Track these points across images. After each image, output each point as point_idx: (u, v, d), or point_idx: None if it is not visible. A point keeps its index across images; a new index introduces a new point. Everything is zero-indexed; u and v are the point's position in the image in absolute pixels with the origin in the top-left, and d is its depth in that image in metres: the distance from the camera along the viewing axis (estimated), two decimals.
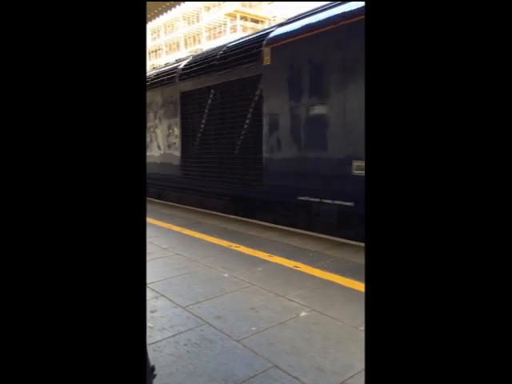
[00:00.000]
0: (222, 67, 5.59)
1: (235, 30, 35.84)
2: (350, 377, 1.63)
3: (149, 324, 2.11)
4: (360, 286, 2.64)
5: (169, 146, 7.05)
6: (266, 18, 37.90)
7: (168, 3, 6.93)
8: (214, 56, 5.90)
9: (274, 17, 36.12)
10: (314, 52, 4.26)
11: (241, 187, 5.38)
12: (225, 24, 37.97)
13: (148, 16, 7.22)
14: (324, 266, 3.12)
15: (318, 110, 4.26)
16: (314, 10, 4.64)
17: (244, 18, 37.96)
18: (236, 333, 2.02)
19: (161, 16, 7.63)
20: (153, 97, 7.44)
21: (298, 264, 3.19)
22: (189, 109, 6.39)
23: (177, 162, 6.76)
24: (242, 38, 5.91)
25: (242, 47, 5.39)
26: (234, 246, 3.80)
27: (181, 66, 6.72)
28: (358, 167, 3.82)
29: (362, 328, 2.03)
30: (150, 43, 42.48)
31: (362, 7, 3.74)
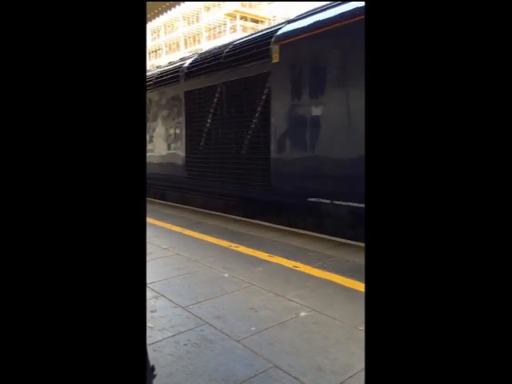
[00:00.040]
0: (229, 65, 5.43)
1: (235, 30, 35.85)
2: (350, 377, 1.63)
3: (149, 324, 2.11)
4: (360, 286, 2.64)
5: (173, 146, 6.92)
6: (265, 18, 37.92)
7: (168, 3, 6.93)
8: (219, 54, 5.73)
9: (274, 17, 36.14)
10: (326, 49, 4.09)
11: (248, 188, 5.23)
12: (224, 24, 37.98)
13: (148, 16, 7.22)
14: (324, 266, 3.13)
15: (329, 109, 4.11)
16: (324, 6, 4.47)
17: (244, 18, 37.97)
18: (236, 333, 2.02)
19: (161, 16, 7.64)
20: (156, 96, 7.25)
21: (298, 264, 3.19)
22: (194, 108, 6.22)
23: (181, 162, 6.62)
24: (249, 36, 5.69)
25: (249, 45, 5.22)
26: (234, 246, 3.80)
27: (186, 65, 6.54)
28: None
29: (362, 328, 2.03)
30: (150, 43, 42.49)
31: None
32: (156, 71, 7.72)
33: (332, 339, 1.95)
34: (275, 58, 4.69)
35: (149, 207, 5.64)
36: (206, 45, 29.64)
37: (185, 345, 1.91)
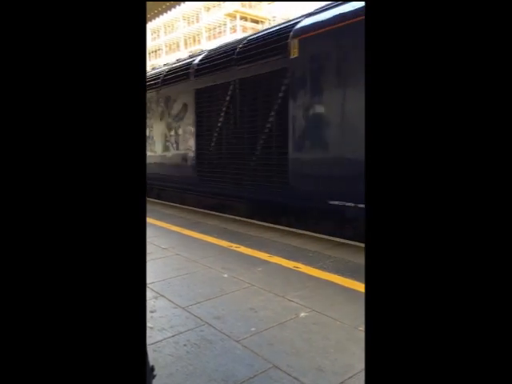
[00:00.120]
0: (242, 62, 5.16)
1: (235, 31, 35.88)
2: (350, 377, 1.63)
3: (148, 324, 2.11)
4: (360, 286, 2.64)
5: (183, 146, 6.60)
6: (265, 19, 37.94)
7: (168, 3, 6.93)
8: (232, 50, 5.45)
9: (274, 17, 36.17)
10: (351, 43, 3.82)
11: (262, 190, 4.93)
12: (224, 24, 38.00)
13: (148, 16, 7.23)
14: (324, 267, 3.12)
15: (353, 106, 3.83)
16: None
17: (244, 19, 37.99)
18: (236, 333, 2.02)
19: (161, 16, 7.64)
20: (165, 94, 6.97)
21: (298, 264, 3.19)
22: (204, 106, 5.93)
23: (191, 162, 6.32)
24: (265, 31, 5.38)
25: (264, 40, 4.94)
26: (233, 246, 3.80)
27: (196, 62, 6.24)
28: None
29: (362, 328, 2.03)
30: (150, 43, 42.51)
31: None
32: (164, 69, 7.43)
33: (332, 340, 1.95)
34: (294, 53, 4.41)
35: (149, 207, 5.62)
36: (206, 45, 29.67)
37: (184, 345, 1.91)
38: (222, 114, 5.55)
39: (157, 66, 8.64)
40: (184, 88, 6.40)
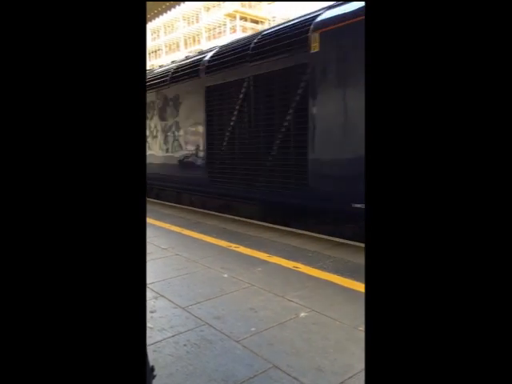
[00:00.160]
0: (257, 57, 4.88)
1: (235, 31, 35.89)
2: (350, 377, 1.63)
3: (148, 324, 2.11)
4: (359, 286, 2.64)
5: (192, 146, 6.29)
6: (265, 19, 37.96)
7: (168, 3, 6.94)
8: (246, 45, 5.17)
9: (274, 17, 36.18)
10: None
11: (280, 192, 4.64)
12: (224, 24, 38.01)
13: (148, 16, 7.23)
14: (323, 267, 3.12)
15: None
16: None
17: (244, 19, 38.00)
18: (235, 333, 2.02)
19: (161, 16, 7.65)
20: (173, 92, 6.66)
21: (298, 264, 3.19)
22: (216, 105, 5.63)
23: (201, 163, 6.04)
24: (281, 25, 5.08)
25: (282, 34, 4.65)
26: (233, 246, 3.80)
27: (206, 58, 5.92)
28: None
29: (362, 328, 2.03)
30: (150, 43, 42.52)
31: None
32: (172, 66, 7.15)
33: (332, 340, 1.95)
34: (314, 48, 4.15)
35: (148, 207, 5.61)
36: (206, 45, 29.66)
37: (184, 345, 1.91)
38: (235, 113, 5.27)
39: (164, 64, 8.41)
40: (194, 85, 6.10)
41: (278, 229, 4.59)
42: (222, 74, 5.47)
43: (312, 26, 4.24)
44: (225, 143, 5.49)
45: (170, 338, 1.99)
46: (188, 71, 6.25)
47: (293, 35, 4.45)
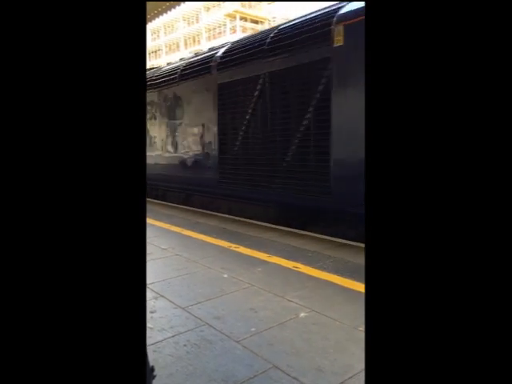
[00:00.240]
0: (274, 52, 4.66)
1: (235, 31, 35.90)
2: (350, 377, 1.63)
3: (148, 325, 2.11)
4: (359, 287, 2.64)
5: (203, 146, 6.05)
6: (265, 19, 37.98)
7: (168, 3, 6.94)
8: (262, 40, 4.92)
9: (274, 17, 36.19)
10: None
11: (298, 194, 4.42)
12: (224, 25, 38.03)
13: (148, 17, 7.23)
14: (323, 267, 3.12)
15: None
16: None
17: (244, 19, 38.02)
18: (236, 333, 2.02)
19: (161, 16, 7.65)
20: (183, 90, 6.45)
21: (298, 264, 3.19)
22: (229, 102, 5.40)
23: (212, 163, 5.80)
24: (301, 18, 4.80)
25: (301, 28, 4.43)
26: (233, 246, 3.80)
27: (218, 54, 5.69)
28: None
29: (362, 328, 2.03)
30: (150, 44, 42.54)
31: None
32: (182, 63, 6.86)
33: (332, 340, 1.95)
34: (338, 41, 3.92)
35: (148, 207, 5.60)
36: (206, 45, 29.67)
37: (184, 345, 1.91)
38: (250, 111, 5.04)
39: (172, 61, 8.07)
40: (205, 83, 5.83)
41: (278, 229, 4.58)
42: (236, 70, 5.25)
43: (335, 19, 4.00)
44: (238, 143, 5.28)
45: (170, 338, 1.99)
46: (199, 68, 6.02)
47: (313, 29, 4.21)
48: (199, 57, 6.43)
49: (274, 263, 3.24)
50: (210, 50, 6.45)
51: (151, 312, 2.30)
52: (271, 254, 3.50)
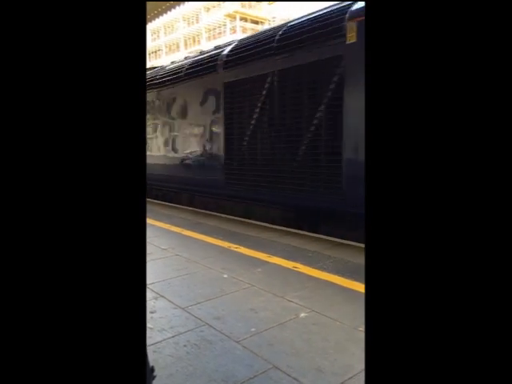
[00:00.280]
0: (283, 50, 4.53)
1: (235, 31, 35.91)
2: (350, 378, 1.63)
3: (148, 325, 2.11)
4: (359, 287, 2.64)
5: (208, 146, 5.91)
6: (265, 19, 37.98)
7: (168, 4, 6.94)
8: (271, 37, 4.79)
9: (274, 18, 36.20)
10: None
11: (308, 195, 4.31)
12: (224, 25, 38.04)
13: (148, 17, 7.23)
14: (323, 267, 3.12)
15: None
16: None
17: (244, 19, 38.03)
18: (236, 334, 2.02)
19: (160, 17, 7.66)
20: (187, 89, 6.31)
21: (298, 264, 3.18)
22: (235, 102, 5.27)
23: (218, 164, 5.65)
24: (311, 14, 4.64)
25: (311, 24, 4.31)
26: (233, 246, 3.80)
27: (225, 52, 5.56)
28: None
29: (362, 329, 2.03)
30: (150, 44, 42.56)
31: None
32: (186, 62, 6.72)
33: (332, 340, 1.95)
34: (351, 38, 3.80)
35: (148, 207, 5.58)
36: (206, 45, 29.67)
37: (184, 346, 1.91)
38: (257, 110, 4.89)
39: (176, 60, 7.89)
40: (211, 82, 5.69)
41: (278, 229, 4.58)
42: (243, 68, 5.10)
43: (348, 15, 3.88)
44: (245, 143, 5.14)
45: (169, 338, 1.99)
46: (204, 66, 5.87)
47: (325, 25, 4.10)
48: (204, 55, 6.28)
49: (274, 263, 3.24)
50: (216, 48, 6.29)
51: (151, 312, 2.30)
52: (271, 254, 3.50)
